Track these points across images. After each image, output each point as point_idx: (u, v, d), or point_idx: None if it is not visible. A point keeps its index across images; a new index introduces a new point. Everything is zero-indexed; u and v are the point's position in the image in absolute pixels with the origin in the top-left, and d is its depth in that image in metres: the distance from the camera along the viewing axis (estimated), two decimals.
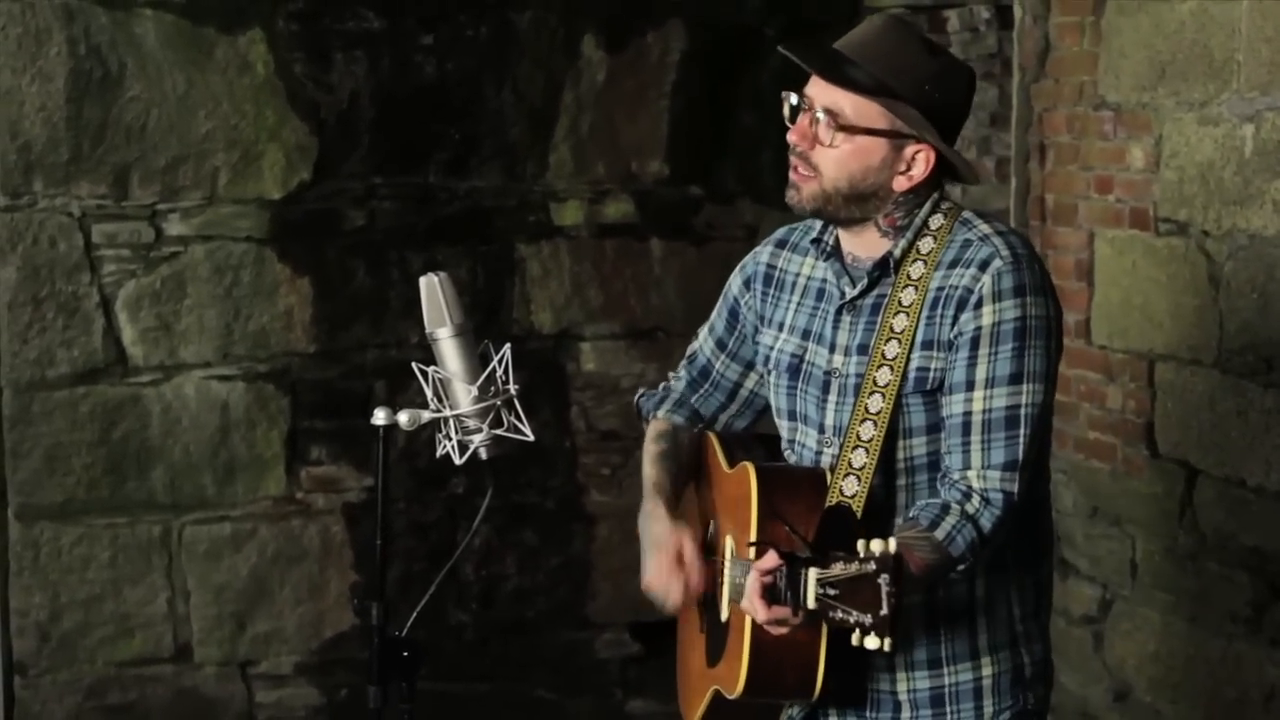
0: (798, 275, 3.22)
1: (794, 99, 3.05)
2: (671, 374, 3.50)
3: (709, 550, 3.27)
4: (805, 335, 3.17)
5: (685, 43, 5.90)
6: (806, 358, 3.16)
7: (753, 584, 2.74)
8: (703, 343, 3.43)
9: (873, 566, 2.57)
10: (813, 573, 2.62)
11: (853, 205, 3.03)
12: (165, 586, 5.67)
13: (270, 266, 5.65)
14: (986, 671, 3.10)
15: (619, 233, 5.97)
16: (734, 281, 3.36)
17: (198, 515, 5.68)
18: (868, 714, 3.11)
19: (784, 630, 2.78)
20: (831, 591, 2.60)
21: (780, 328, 3.23)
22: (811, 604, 2.63)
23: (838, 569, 2.60)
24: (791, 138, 3.04)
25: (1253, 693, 4.50)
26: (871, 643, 2.59)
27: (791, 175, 3.05)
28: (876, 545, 2.59)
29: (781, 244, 3.29)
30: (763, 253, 3.31)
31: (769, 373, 3.26)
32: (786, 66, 3.07)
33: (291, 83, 5.61)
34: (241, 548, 5.72)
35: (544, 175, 5.87)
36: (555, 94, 5.84)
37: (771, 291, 3.27)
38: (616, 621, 6.03)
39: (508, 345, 3.16)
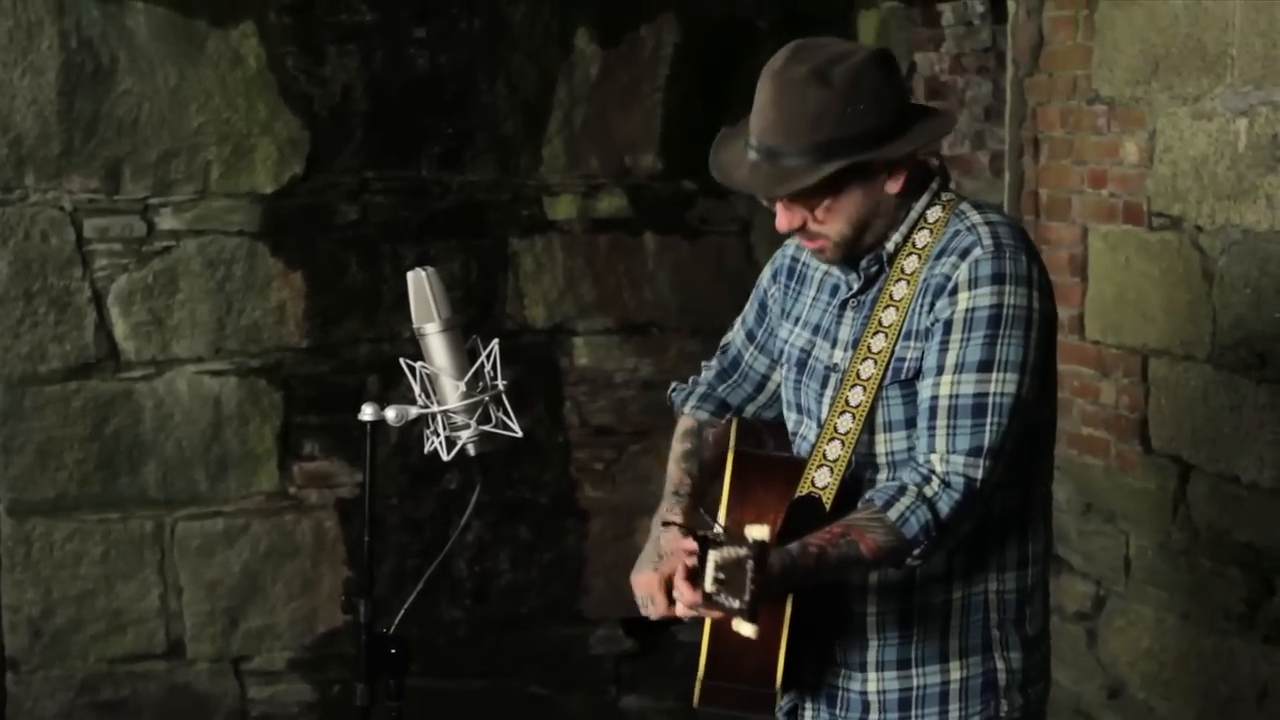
0: (817, 269, 3.21)
1: (773, 205, 3.05)
2: (705, 363, 3.50)
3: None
4: (815, 330, 3.17)
5: (678, 36, 5.89)
6: (813, 352, 3.16)
7: (679, 567, 2.71)
8: (735, 333, 3.44)
9: (744, 552, 2.53)
10: (711, 556, 2.58)
11: (871, 231, 3.02)
12: (158, 582, 5.66)
13: (263, 261, 5.64)
14: (954, 675, 3.08)
15: (612, 227, 5.96)
16: (765, 273, 3.38)
17: (190, 510, 5.68)
18: (838, 712, 3.11)
19: (717, 614, 2.70)
20: (721, 576, 2.56)
21: (796, 321, 3.23)
22: (709, 587, 2.58)
23: (726, 552, 2.55)
24: (782, 228, 3.05)
25: (1246, 689, 4.49)
26: (744, 630, 2.55)
27: (809, 246, 3.06)
28: (755, 531, 2.55)
29: None
30: (790, 245, 3.31)
31: (782, 366, 3.26)
32: None
33: (283, 76, 5.60)
34: (234, 543, 5.71)
35: (537, 169, 5.87)
36: (548, 88, 5.83)
37: (793, 285, 3.28)
38: (610, 617, 6.02)
39: (495, 341, 3.15)
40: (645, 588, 3.16)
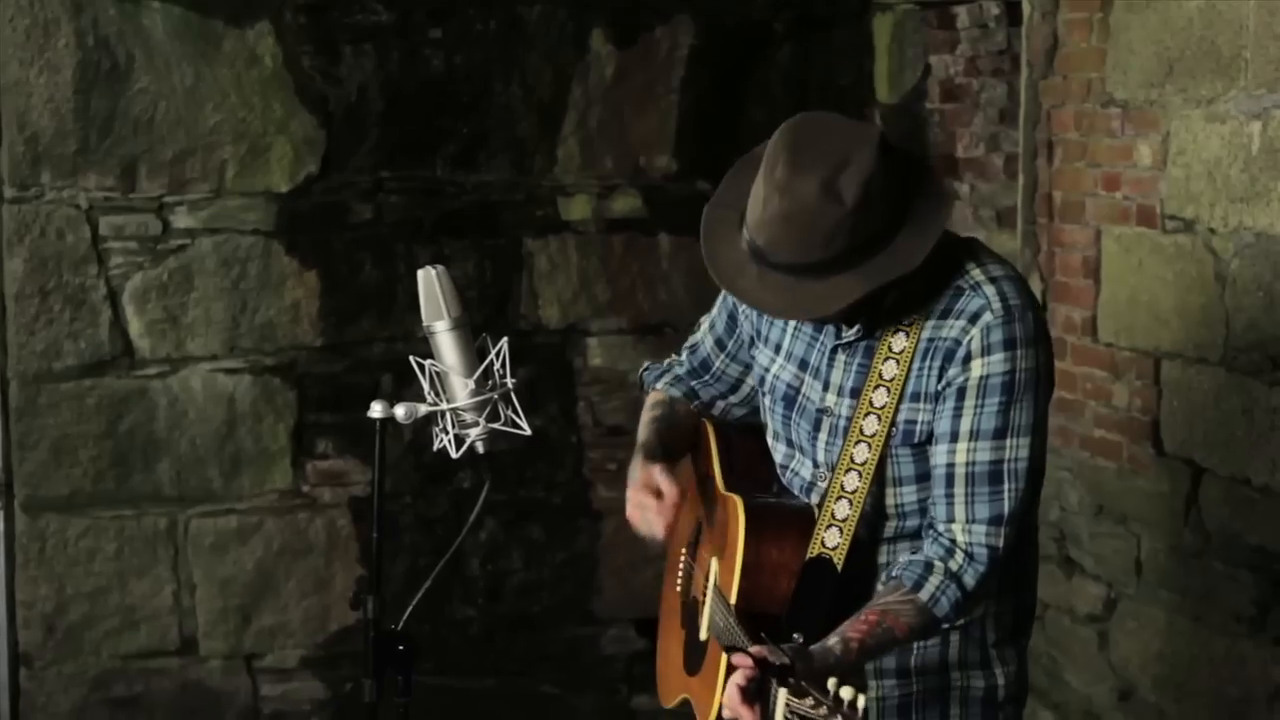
0: None
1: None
2: (674, 355, 3.50)
3: (694, 547, 3.29)
4: (802, 366, 3.13)
5: (694, 37, 5.89)
6: (802, 390, 3.13)
7: (732, 686, 2.70)
8: (703, 337, 3.43)
9: (839, 719, 2.54)
10: (783, 694, 2.59)
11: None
12: (171, 579, 5.67)
13: (277, 260, 5.65)
14: (956, 683, 3.10)
15: (627, 227, 5.96)
16: None
17: (204, 508, 5.68)
18: None
19: None
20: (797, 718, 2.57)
21: (777, 350, 3.19)
22: None
23: (808, 704, 2.56)
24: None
25: (1256, 692, 4.49)
26: None
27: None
28: (846, 692, 2.54)
29: None
30: None
31: (764, 395, 3.24)
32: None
33: (300, 76, 5.61)
34: (247, 541, 5.72)
35: (552, 170, 5.87)
36: (564, 88, 5.83)
37: None
38: (622, 617, 6.03)
39: (505, 339, 3.16)
40: (634, 509, 3.22)
